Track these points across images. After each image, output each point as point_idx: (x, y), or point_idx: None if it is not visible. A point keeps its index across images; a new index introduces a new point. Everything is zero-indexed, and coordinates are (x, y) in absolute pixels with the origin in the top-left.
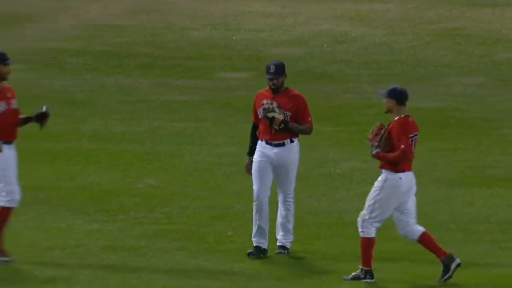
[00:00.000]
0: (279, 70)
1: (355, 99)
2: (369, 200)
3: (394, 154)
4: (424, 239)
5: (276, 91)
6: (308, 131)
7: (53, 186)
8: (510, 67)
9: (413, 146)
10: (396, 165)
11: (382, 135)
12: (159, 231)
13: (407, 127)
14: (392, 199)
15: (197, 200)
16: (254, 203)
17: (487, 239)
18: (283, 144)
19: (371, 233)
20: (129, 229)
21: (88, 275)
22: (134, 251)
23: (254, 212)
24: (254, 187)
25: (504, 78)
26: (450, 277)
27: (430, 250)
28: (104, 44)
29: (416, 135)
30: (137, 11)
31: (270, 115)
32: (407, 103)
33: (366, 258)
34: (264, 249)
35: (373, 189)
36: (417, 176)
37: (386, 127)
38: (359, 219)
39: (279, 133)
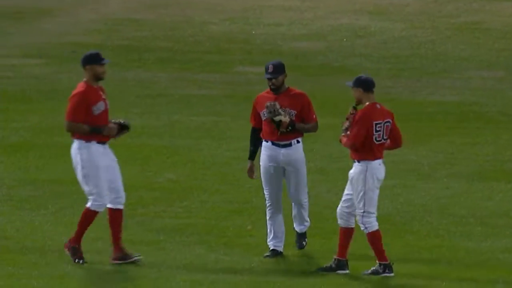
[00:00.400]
0: (278, 69)
1: (375, 93)
2: (357, 195)
3: (345, 141)
4: (349, 233)
5: (277, 91)
6: (313, 130)
7: (73, 181)
8: None
9: (384, 133)
10: (357, 153)
11: (350, 120)
12: (178, 225)
13: (368, 117)
14: (376, 185)
15: (216, 194)
16: (268, 209)
17: (506, 233)
18: (290, 145)
19: (374, 226)
20: (148, 223)
21: (107, 269)
22: (153, 245)
23: (268, 217)
24: (266, 193)
25: None
26: (328, 271)
27: (340, 244)
28: (123, 38)
29: (387, 122)
30: (156, 5)
31: (277, 118)
32: (424, 97)
33: (379, 252)
34: (280, 252)
35: (356, 183)
36: (435, 170)
37: (355, 111)
38: (358, 218)
39: (286, 134)
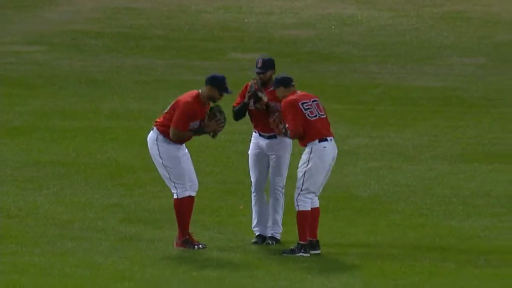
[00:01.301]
0: (267, 65)
1: (362, 79)
2: (299, 173)
3: (292, 135)
4: (315, 213)
5: (264, 85)
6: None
7: (73, 162)
8: (509, 48)
9: (316, 109)
10: (304, 138)
11: (281, 121)
12: None
13: (291, 101)
14: (320, 168)
15: (210, 175)
16: (253, 195)
17: (487, 213)
18: (275, 136)
19: (307, 206)
20: (145, 203)
21: (106, 246)
22: (151, 224)
23: (253, 203)
24: (252, 179)
25: (504, 59)
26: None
27: (309, 225)
28: (121, 26)
29: (315, 100)
30: None
31: (259, 94)
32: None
33: (303, 232)
34: (268, 236)
35: (300, 162)
36: (420, 152)
37: (277, 112)
38: (295, 194)
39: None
